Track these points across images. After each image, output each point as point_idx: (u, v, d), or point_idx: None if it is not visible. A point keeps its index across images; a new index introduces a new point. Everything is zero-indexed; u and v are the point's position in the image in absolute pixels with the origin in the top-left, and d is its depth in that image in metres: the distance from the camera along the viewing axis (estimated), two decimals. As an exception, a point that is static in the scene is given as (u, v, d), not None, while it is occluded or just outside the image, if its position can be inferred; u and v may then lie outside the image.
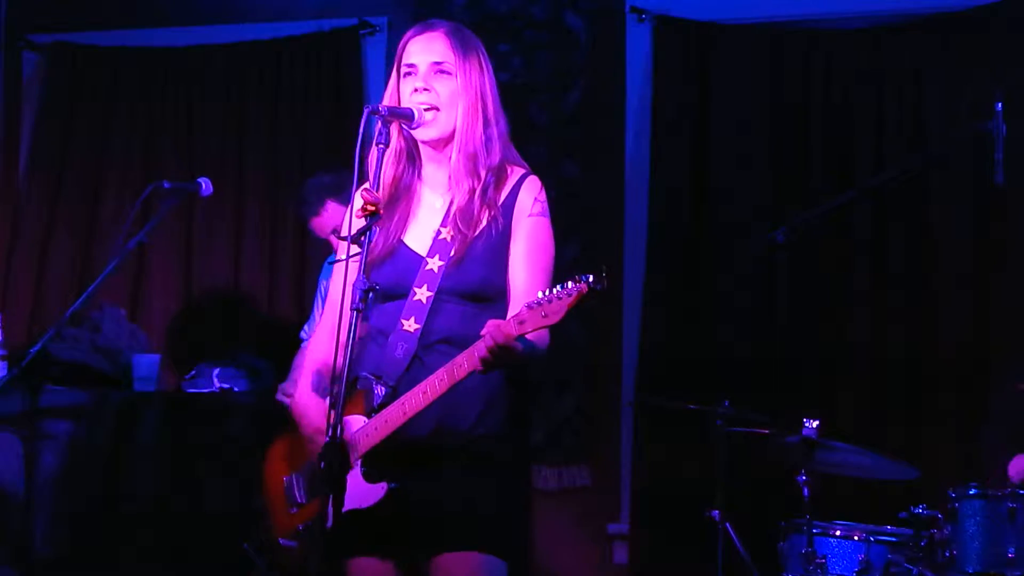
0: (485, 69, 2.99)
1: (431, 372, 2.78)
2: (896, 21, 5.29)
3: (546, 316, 2.58)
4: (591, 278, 2.52)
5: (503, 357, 2.63)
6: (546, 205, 2.99)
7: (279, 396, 4.69)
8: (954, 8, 5.19)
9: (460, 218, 2.92)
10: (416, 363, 2.86)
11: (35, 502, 4.59)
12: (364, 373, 2.92)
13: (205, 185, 4.12)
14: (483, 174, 2.94)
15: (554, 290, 2.56)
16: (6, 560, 4.66)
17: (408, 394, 2.78)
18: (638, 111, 5.50)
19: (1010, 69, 4.97)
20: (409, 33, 3.00)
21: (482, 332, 2.63)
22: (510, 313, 2.86)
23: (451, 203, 2.97)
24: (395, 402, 2.80)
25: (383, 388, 2.87)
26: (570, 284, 2.53)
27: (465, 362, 2.68)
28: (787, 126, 5.31)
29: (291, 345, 4.92)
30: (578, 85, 5.58)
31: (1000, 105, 3.98)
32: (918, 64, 5.19)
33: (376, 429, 2.82)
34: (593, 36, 5.59)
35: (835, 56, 5.28)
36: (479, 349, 2.65)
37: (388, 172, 3.00)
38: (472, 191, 2.93)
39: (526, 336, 2.67)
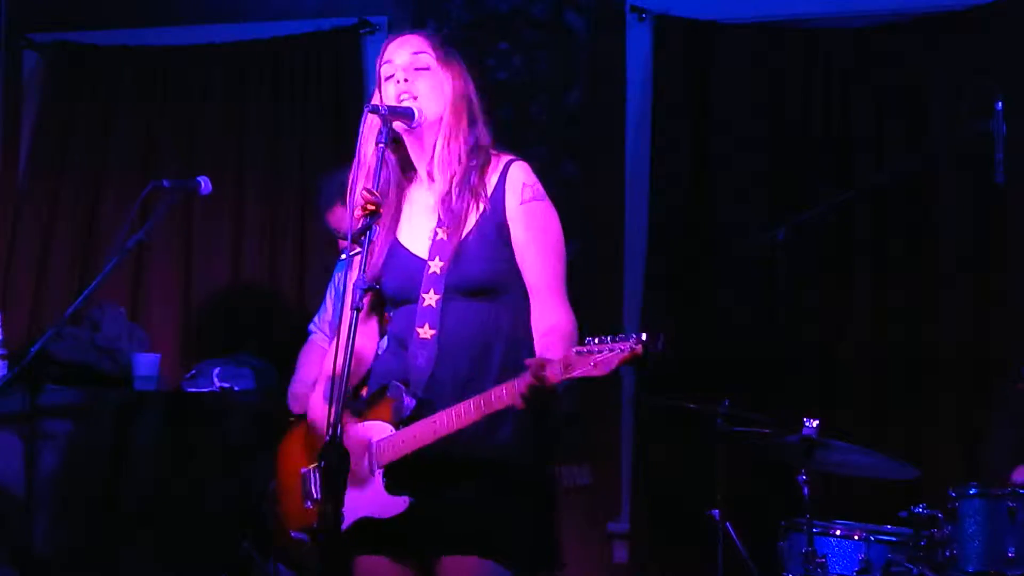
0: (468, 78, 3.00)
1: (447, 380, 2.80)
2: (896, 21, 5.29)
3: (595, 366, 2.48)
4: (645, 336, 2.43)
5: (543, 397, 2.58)
6: (539, 187, 2.95)
7: (289, 400, 4.62)
8: (954, 8, 5.19)
9: (445, 214, 2.92)
10: (437, 370, 2.85)
11: (35, 502, 4.60)
12: (395, 382, 2.89)
13: (204, 184, 4.13)
14: (462, 171, 2.93)
15: (608, 339, 2.48)
16: (6, 560, 4.66)
17: (441, 413, 2.75)
18: (638, 111, 5.50)
19: (1010, 69, 4.97)
20: (385, 42, 3.03)
21: (526, 363, 2.58)
22: (539, 331, 2.84)
23: (437, 195, 2.97)
24: (426, 419, 2.77)
25: (412, 400, 2.84)
26: (626, 341, 2.45)
27: (505, 395, 2.64)
28: (787, 126, 5.31)
29: (292, 344, 4.90)
30: (578, 85, 5.58)
31: (1000, 105, 3.99)
32: (918, 64, 5.19)
33: (404, 442, 2.80)
34: (593, 35, 5.59)
35: (835, 56, 5.28)
36: (520, 385, 2.59)
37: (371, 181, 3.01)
38: (451, 180, 2.92)
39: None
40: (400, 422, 2.84)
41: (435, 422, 2.75)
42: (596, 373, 2.47)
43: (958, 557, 3.85)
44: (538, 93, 5.57)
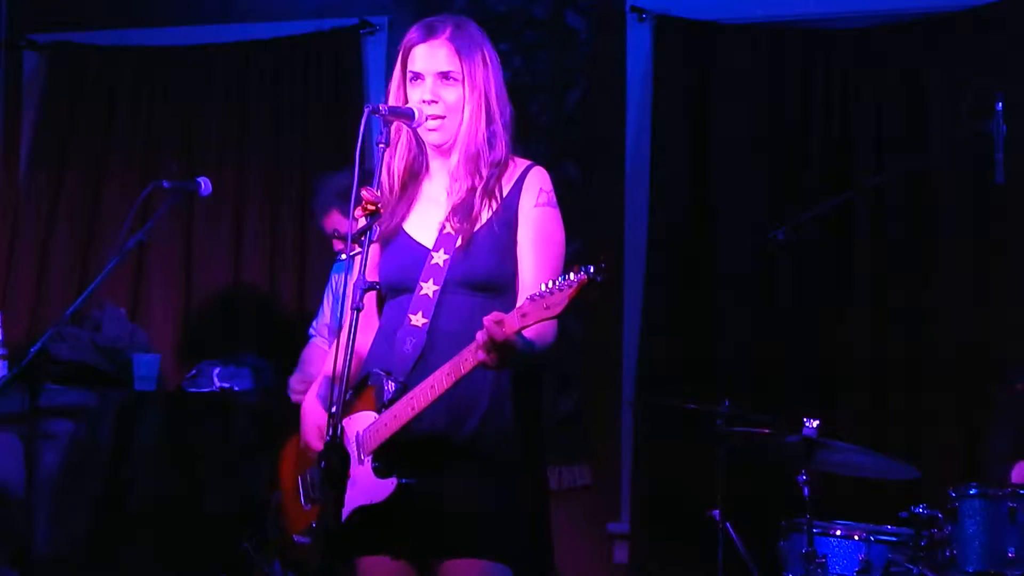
0: (489, 63, 3.00)
1: (432, 368, 2.78)
2: (896, 21, 5.29)
3: (548, 308, 2.55)
4: (592, 269, 2.50)
5: (505, 351, 2.61)
6: (553, 195, 2.99)
7: (289, 392, 4.66)
8: (954, 8, 5.19)
9: (459, 213, 2.94)
10: (425, 358, 2.86)
11: (35, 502, 4.59)
12: (375, 370, 2.92)
13: (205, 185, 4.13)
14: (485, 172, 2.95)
15: (555, 282, 2.55)
16: (6, 560, 4.66)
17: (416, 389, 2.77)
18: (638, 111, 5.50)
19: (1010, 69, 4.97)
20: (413, 36, 3.00)
21: (484, 321, 2.61)
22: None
23: (452, 198, 2.98)
24: (403, 397, 2.80)
25: (393, 384, 2.86)
26: (571, 275, 2.52)
27: (470, 356, 2.67)
28: (787, 126, 5.31)
29: (292, 344, 4.91)
30: (578, 85, 5.58)
31: (1000, 105, 3.99)
32: (918, 64, 5.19)
33: (385, 425, 2.82)
34: (593, 36, 5.59)
35: (835, 56, 5.28)
36: (480, 340, 2.62)
37: (399, 163, 3.02)
38: (472, 189, 2.95)
39: (524, 334, 2.66)
40: (382, 407, 2.85)
41: (412, 398, 2.77)
42: (550, 314, 2.55)
43: (958, 557, 3.85)
44: (538, 93, 5.57)
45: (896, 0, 5.35)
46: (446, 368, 2.72)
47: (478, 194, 2.93)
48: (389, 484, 2.81)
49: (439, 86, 2.94)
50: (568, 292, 2.52)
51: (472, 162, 2.95)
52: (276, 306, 5.69)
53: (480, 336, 2.61)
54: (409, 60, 2.98)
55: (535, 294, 2.57)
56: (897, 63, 5.21)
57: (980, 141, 4.05)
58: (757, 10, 5.46)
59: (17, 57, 6.16)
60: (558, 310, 2.54)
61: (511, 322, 2.59)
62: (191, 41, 5.93)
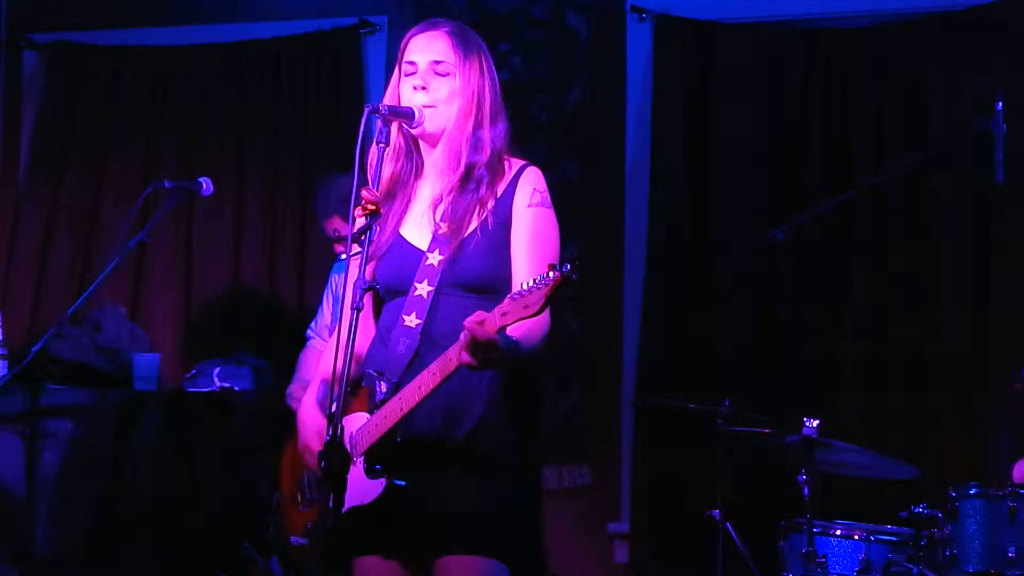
0: (486, 71, 2.99)
1: (424, 368, 2.78)
2: (896, 21, 5.29)
3: (527, 307, 2.55)
4: (567, 267, 2.51)
5: (487, 351, 2.61)
6: (547, 195, 2.98)
7: (288, 400, 4.64)
8: (954, 8, 5.19)
9: (451, 214, 2.93)
10: (418, 358, 2.85)
11: (35, 502, 4.60)
12: (369, 371, 2.92)
13: (205, 185, 4.13)
14: (463, 169, 2.93)
15: (534, 280, 2.55)
16: (6, 560, 4.66)
17: (405, 389, 2.78)
18: (638, 111, 5.50)
19: (1010, 69, 4.97)
20: (412, 31, 3.02)
21: (465, 322, 2.62)
22: None
23: (443, 196, 2.98)
24: (393, 398, 2.80)
25: (385, 385, 2.86)
26: (549, 274, 2.53)
27: (454, 356, 2.67)
28: (787, 126, 5.31)
29: (291, 344, 4.91)
30: (578, 85, 5.58)
31: (1000, 105, 3.99)
32: (918, 64, 5.19)
33: (376, 426, 2.82)
34: (593, 35, 5.59)
35: (835, 56, 5.28)
36: (463, 340, 2.63)
37: (386, 169, 3.01)
38: (453, 188, 2.94)
39: (509, 333, 2.66)
40: (374, 408, 2.86)
41: (401, 399, 2.78)
42: (529, 313, 2.56)
43: (958, 557, 3.85)
44: (538, 93, 5.57)
45: (896, 0, 5.35)
46: (432, 368, 2.72)
47: (465, 196, 2.93)
48: (378, 485, 2.81)
49: (431, 75, 2.94)
50: (544, 291, 2.52)
51: (455, 159, 2.94)
52: (276, 306, 5.69)
53: (463, 336, 2.61)
54: (406, 52, 2.99)
55: (515, 293, 2.59)
56: (897, 63, 5.21)
57: (980, 141, 4.05)
58: (757, 10, 5.47)
59: (17, 57, 6.16)
60: (535, 308, 2.55)
61: (492, 321, 2.59)
62: (191, 41, 5.93)
